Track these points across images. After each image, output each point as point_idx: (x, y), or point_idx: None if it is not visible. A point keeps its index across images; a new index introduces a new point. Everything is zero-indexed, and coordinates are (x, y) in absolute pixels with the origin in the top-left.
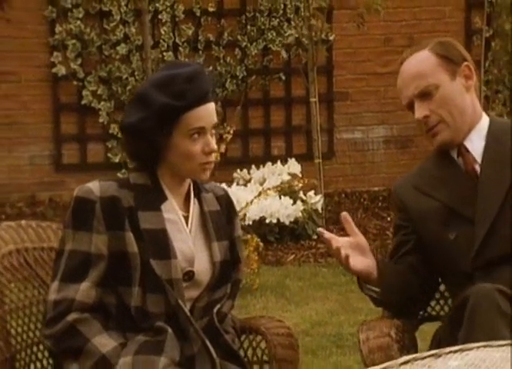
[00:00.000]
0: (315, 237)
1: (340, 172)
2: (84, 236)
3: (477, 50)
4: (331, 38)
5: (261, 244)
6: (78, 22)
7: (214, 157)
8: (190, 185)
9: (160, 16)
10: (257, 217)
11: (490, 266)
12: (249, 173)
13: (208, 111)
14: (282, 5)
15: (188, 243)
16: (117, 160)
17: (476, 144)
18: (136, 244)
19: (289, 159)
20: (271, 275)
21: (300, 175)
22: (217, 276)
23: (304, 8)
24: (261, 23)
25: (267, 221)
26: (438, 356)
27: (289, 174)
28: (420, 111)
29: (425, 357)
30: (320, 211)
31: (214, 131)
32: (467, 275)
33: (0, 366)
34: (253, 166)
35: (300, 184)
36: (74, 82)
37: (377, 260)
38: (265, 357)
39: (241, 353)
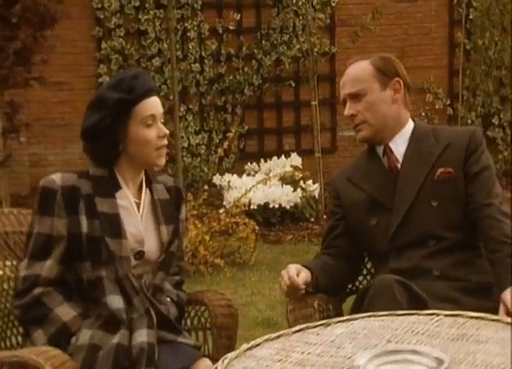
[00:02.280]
0: (312, 219)
1: (342, 164)
2: (47, 220)
3: (458, 60)
4: (333, 50)
5: (257, 227)
6: (120, 40)
7: (166, 141)
8: (143, 177)
9: (188, 33)
10: (262, 203)
11: (403, 248)
12: (259, 165)
13: (156, 102)
14: (292, 24)
15: (138, 226)
16: None
17: (399, 145)
18: (91, 225)
19: (292, 153)
20: (269, 253)
21: (301, 167)
22: (165, 255)
23: (308, 27)
24: (274, 39)
25: (271, 205)
26: (328, 325)
27: (291, 166)
28: (349, 109)
29: (316, 326)
30: (317, 197)
31: (163, 120)
32: (384, 255)
33: None
34: (262, 160)
35: (300, 175)
36: None
37: (311, 269)
38: (208, 325)
39: (188, 321)
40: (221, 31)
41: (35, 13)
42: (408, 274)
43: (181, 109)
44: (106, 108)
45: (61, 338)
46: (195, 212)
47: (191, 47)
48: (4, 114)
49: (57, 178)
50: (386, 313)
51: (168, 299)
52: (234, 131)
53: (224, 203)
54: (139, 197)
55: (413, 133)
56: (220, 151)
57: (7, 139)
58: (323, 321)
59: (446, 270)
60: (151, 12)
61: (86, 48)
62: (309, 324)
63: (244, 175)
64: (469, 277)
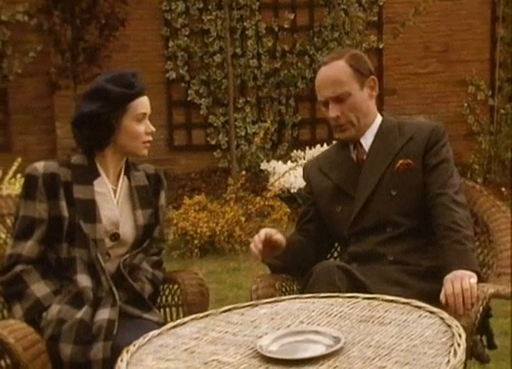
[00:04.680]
0: None
1: None
2: (30, 204)
3: (499, 54)
4: (380, 46)
5: (288, 209)
6: (185, 38)
7: (151, 137)
8: (123, 166)
9: (247, 32)
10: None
11: (362, 234)
12: (304, 152)
13: (147, 102)
14: (342, 22)
15: (114, 210)
16: (213, 142)
17: (368, 139)
18: (68, 210)
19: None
20: None
21: None
22: (140, 237)
23: (354, 25)
24: (325, 36)
25: None
26: (255, 305)
27: None
28: (333, 111)
29: (244, 307)
30: None
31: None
32: (346, 240)
33: None
34: (307, 147)
35: None
36: (182, 84)
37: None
38: (180, 302)
39: (163, 298)
40: (276, 29)
41: (103, 15)
42: (364, 258)
43: (240, 101)
44: (106, 99)
45: (35, 313)
46: (233, 195)
47: (249, 44)
48: (77, 107)
49: (39, 166)
50: (309, 295)
51: (144, 278)
52: (269, 121)
53: (271, 187)
54: (117, 184)
55: (380, 127)
56: (256, 139)
57: None
58: (251, 302)
59: (399, 255)
60: (214, 13)
61: (155, 47)
62: (237, 305)
63: (289, 162)
64: (421, 262)
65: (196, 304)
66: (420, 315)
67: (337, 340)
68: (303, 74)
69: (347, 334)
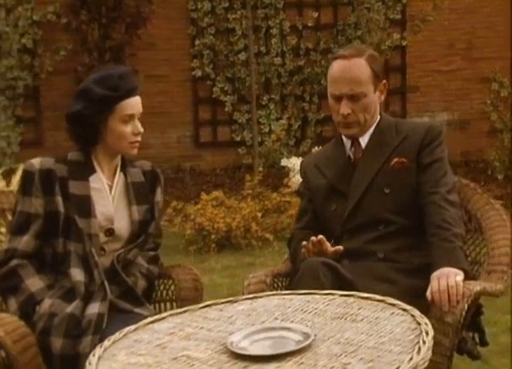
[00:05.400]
0: None
1: None
2: (26, 200)
3: None
4: (404, 44)
5: None
6: (211, 37)
7: (139, 137)
8: (119, 162)
9: (271, 30)
10: None
11: (355, 231)
12: None
13: (136, 102)
14: (365, 20)
15: (109, 206)
16: (238, 139)
17: (366, 138)
18: (64, 205)
19: None
20: None
21: None
22: (136, 232)
23: (373, 23)
24: (349, 34)
25: None
26: (234, 302)
27: None
28: (345, 108)
29: (223, 303)
30: None
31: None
32: (339, 237)
33: None
34: None
35: None
36: (208, 82)
37: None
38: (174, 297)
39: (159, 293)
40: (300, 27)
41: (127, 14)
42: (355, 255)
43: (264, 98)
44: (90, 101)
45: (29, 307)
46: (250, 191)
47: (273, 42)
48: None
49: (36, 162)
50: (288, 292)
51: (138, 273)
52: (285, 118)
53: (290, 183)
54: (113, 180)
55: (377, 125)
56: (273, 136)
57: None
58: (230, 298)
59: (390, 253)
60: (239, 12)
61: (181, 45)
62: (217, 301)
63: None
64: (411, 259)
65: (189, 299)
66: (393, 313)
67: (306, 336)
68: (326, 72)
69: (319, 331)
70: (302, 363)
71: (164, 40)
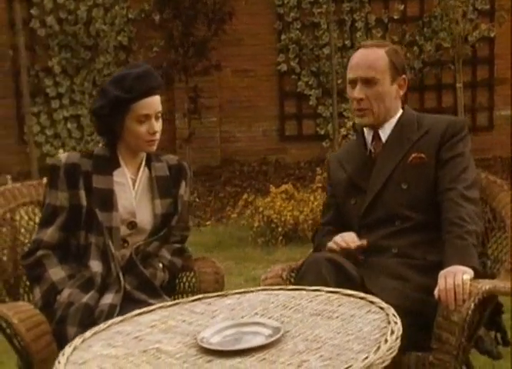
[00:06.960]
0: None
1: (498, 142)
2: (53, 193)
3: None
4: (492, 35)
5: None
6: (297, 32)
7: (157, 135)
8: (143, 157)
9: (356, 24)
10: None
11: (372, 226)
12: None
13: (153, 102)
14: (451, 11)
15: (131, 200)
16: (322, 132)
17: (386, 132)
18: (87, 199)
19: None
20: None
21: None
22: (158, 225)
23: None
24: (435, 25)
25: None
26: (224, 296)
27: None
28: (359, 92)
29: (213, 296)
30: None
31: (159, 115)
32: (357, 232)
33: (14, 281)
34: None
35: None
36: (293, 76)
37: None
38: (195, 289)
39: (181, 285)
40: (386, 20)
41: (209, 10)
42: (370, 250)
43: None
44: (106, 101)
45: (51, 296)
46: (320, 184)
47: (358, 36)
48: (189, 98)
49: (62, 157)
50: (277, 287)
51: (160, 264)
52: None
53: None
54: (137, 174)
55: (399, 120)
56: (343, 130)
57: (191, 119)
58: (221, 292)
59: (404, 248)
60: (324, 6)
61: (268, 40)
62: (208, 294)
63: None
64: (426, 256)
65: (210, 291)
66: (369, 310)
67: (276, 332)
68: (411, 65)
69: (293, 327)
70: (264, 359)
71: (250, 35)
